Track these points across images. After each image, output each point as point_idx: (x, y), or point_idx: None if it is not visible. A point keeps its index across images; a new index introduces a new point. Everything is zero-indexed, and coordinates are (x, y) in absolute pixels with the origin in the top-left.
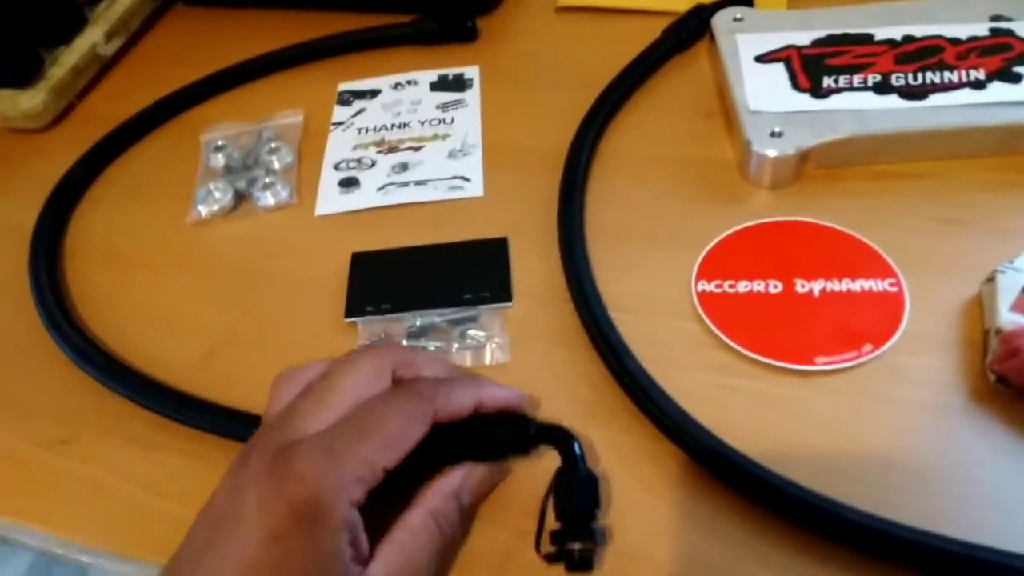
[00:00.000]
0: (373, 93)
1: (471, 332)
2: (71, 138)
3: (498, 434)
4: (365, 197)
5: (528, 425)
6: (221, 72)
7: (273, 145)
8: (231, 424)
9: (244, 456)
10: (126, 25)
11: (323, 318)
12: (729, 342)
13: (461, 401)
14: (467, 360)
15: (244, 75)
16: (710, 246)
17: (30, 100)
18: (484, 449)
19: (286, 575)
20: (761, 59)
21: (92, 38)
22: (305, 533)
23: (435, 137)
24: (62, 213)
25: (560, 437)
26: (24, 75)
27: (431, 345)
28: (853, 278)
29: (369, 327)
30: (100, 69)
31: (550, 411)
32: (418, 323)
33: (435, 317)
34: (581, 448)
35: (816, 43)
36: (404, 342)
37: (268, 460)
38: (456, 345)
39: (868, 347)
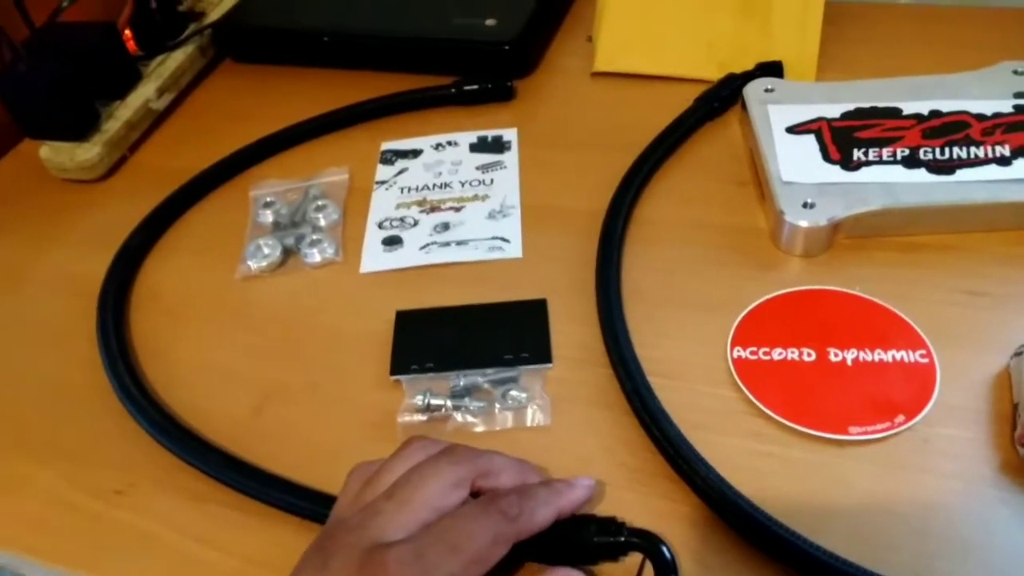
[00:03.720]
0: (415, 153)
1: (513, 393)
2: (124, 189)
3: (591, 539)
4: (408, 256)
5: (620, 530)
6: (272, 136)
7: (320, 203)
8: (281, 494)
9: (324, 552)
10: (177, 81)
11: (368, 374)
12: (765, 409)
13: (542, 520)
14: (508, 422)
15: (294, 138)
16: (744, 312)
17: (86, 153)
18: (574, 553)
19: None
20: (792, 130)
21: (145, 94)
22: None
23: (475, 198)
24: (126, 278)
25: (651, 544)
26: (81, 129)
27: (474, 404)
28: (885, 348)
29: (414, 385)
30: (152, 123)
31: (591, 475)
32: (462, 383)
33: (478, 377)
34: (672, 555)
35: (845, 115)
36: (448, 401)
37: (357, 561)
38: (498, 406)
39: (901, 418)
